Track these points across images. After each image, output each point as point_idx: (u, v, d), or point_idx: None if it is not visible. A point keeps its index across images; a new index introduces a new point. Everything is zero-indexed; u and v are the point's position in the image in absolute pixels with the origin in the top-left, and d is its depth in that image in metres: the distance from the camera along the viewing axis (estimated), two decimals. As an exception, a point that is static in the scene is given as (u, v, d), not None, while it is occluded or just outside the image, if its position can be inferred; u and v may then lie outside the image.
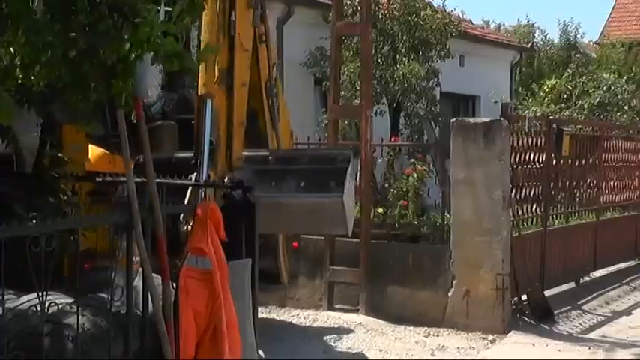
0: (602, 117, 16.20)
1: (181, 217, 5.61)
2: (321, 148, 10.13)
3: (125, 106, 3.82)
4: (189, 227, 4.93)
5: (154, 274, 3.99)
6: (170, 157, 6.35)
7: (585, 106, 16.82)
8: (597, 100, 16.95)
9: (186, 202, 5.50)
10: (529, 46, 24.39)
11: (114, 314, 3.90)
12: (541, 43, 27.47)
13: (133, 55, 3.44)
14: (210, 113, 5.73)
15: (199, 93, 5.94)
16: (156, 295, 4.00)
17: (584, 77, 18.86)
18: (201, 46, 5.95)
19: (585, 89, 17.91)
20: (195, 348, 4.11)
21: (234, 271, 4.30)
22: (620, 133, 12.48)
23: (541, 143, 9.08)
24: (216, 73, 6.00)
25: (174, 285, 4.05)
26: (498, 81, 20.11)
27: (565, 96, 18.09)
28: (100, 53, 3.45)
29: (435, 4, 15.84)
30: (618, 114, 16.58)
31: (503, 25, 33.02)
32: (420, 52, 14.36)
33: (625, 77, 19.50)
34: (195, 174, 5.67)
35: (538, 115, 14.35)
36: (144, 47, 3.43)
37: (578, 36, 28.25)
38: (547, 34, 29.34)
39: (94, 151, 6.62)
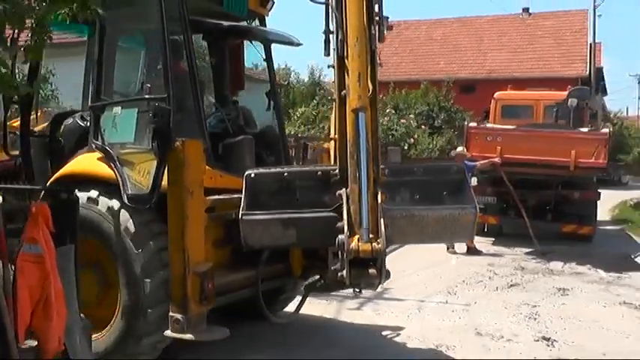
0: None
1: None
2: (428, 162, 9.18)
3: None
4: None
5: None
6: (281, 172, 5.17)
7: (325, 127, 17.79)
8: (334, 123, 18.02)
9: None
10: (286, 83, 25.42)
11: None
12: (295, 81, 28.74)
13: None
14: (364, 127, 4.56)
15: (353, 106, 4.58)
16: (-3, 276, 3.94)
17: (325, 106, 19.90)
18: (349, 59, 4.60)
19: (326, 115, 18.90)
20: (30, 316, 4.08)
21: (60, 255, 4.28)
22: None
23: (293, 154, 9.61)
24: (370, 87, 4.67)
25: (13, 267, 4.00)
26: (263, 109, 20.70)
27: (311, 120, 19.00)
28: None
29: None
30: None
31: (267, 67, 34.12)
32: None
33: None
34: (343, 189, 4.57)
35: (292, 133, 15.04)
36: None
37: (322, 77, 29.86)
38: (299, 74, 30.83)
39: None
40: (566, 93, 14.76)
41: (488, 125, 14.12)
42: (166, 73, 5.23)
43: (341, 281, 4.44)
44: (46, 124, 6.45)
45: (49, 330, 4.08)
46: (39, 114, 6.38)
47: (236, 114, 6.55)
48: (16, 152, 6.17)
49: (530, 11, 41.45)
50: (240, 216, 4.84)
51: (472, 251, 12.51)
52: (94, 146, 5.57)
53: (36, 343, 4.05)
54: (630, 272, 11.13)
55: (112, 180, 5.27)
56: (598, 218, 14.56)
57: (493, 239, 13.85)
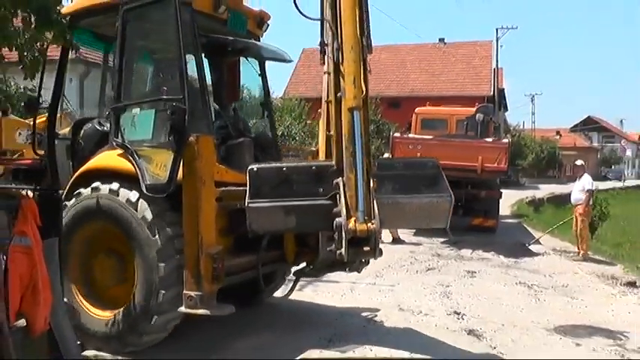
0: (284, 143, 17.27)
1: None
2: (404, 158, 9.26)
3: None
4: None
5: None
6: (280, 166, 4.96)
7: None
8: (281, 133, 17.98)
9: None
10: (240, 98, 25.17)
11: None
12: (247, 97, 28.60)
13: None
14: (359, 125, 4.49)
15: (349, 106, 4.52)
16: (-9, 266, 3.88)
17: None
18: (343, 63, 4.53)
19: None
20: (20, 300, 4.03)
21: (46, 246, 4.23)
22: (296, 153, 13.50)
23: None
24: (363, 89, 4.57)
25: (5, 257, 3.95)
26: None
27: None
28: None
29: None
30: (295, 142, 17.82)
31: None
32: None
33: (298, 121, 20.90)
34: (340, 178, 4.46)
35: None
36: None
37: (271, 93, 29.77)
38: (250, 91, 30.67)
39: None
40: (474, 109, 15.19)
41: (411, 135, 14.35)
42: (182, 77, 5.10)
43: (340, 260, 4.37)
44: (68, 128, 6.29)
45: (36, 312, 4.04)
46: (61, 115, 6.25)
47: (236, 120, 6.47)
48: (43, 152, 6.01)
49: (446, 41, 42.43)
50: (246, 204, 4.70)
51: (396, 241, 12.68)
52: (114, 144, 5.43)
53: (25, 323, 4.01)
54: (525, 258, 11.55)
55: (132, 173, 5.13)
56: (500, 213, 15.04)
57: (414, 230, 14.00)
